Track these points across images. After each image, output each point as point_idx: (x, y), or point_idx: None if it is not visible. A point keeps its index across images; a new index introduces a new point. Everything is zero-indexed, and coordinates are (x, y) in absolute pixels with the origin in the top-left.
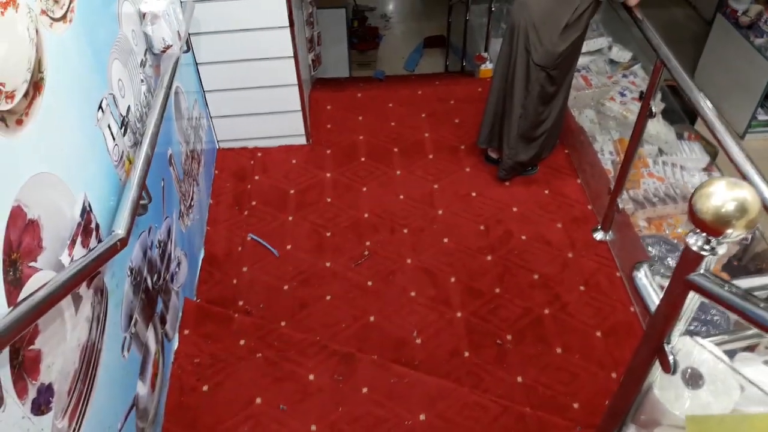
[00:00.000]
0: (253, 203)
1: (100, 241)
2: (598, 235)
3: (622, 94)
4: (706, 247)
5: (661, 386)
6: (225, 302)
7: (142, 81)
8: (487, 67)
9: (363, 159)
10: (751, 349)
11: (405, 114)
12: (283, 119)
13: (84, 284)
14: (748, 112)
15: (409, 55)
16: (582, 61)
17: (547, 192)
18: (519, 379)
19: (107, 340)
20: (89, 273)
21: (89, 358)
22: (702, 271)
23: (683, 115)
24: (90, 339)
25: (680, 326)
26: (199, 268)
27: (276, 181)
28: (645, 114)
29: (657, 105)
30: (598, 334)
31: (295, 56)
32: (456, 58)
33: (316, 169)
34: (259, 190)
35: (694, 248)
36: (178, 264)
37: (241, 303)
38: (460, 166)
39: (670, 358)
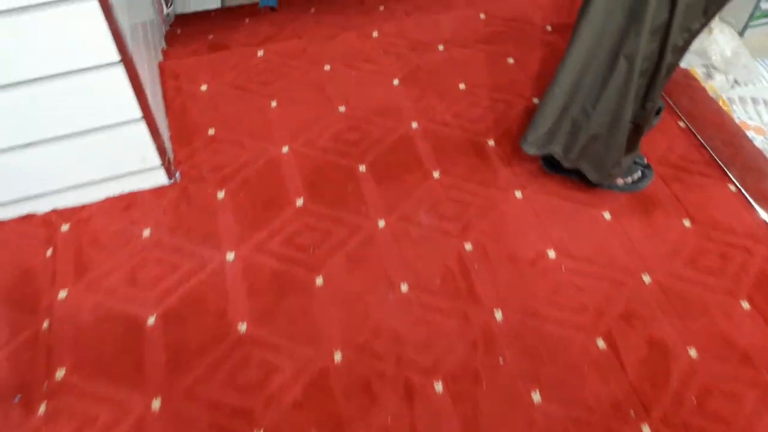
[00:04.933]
0: (61, 372)
1: None
2: None
3: None
4: None
5: None
6: None
7: None
8: None
9: (299, 202)
10: None
11: (360, 83)
12: (106, 141)
13: None
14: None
15: None
16: None
17: (688, 224)
18: None
19: None
20: None
21: None
22: None
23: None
24: None
25: None
26: None
27: (111, 297)
28: None
29: None
30: None
31: None
32: None
33: (202, 246)
34: (71, 328)
35: None
36: None
37: None
38: (501, 191)
39: None
